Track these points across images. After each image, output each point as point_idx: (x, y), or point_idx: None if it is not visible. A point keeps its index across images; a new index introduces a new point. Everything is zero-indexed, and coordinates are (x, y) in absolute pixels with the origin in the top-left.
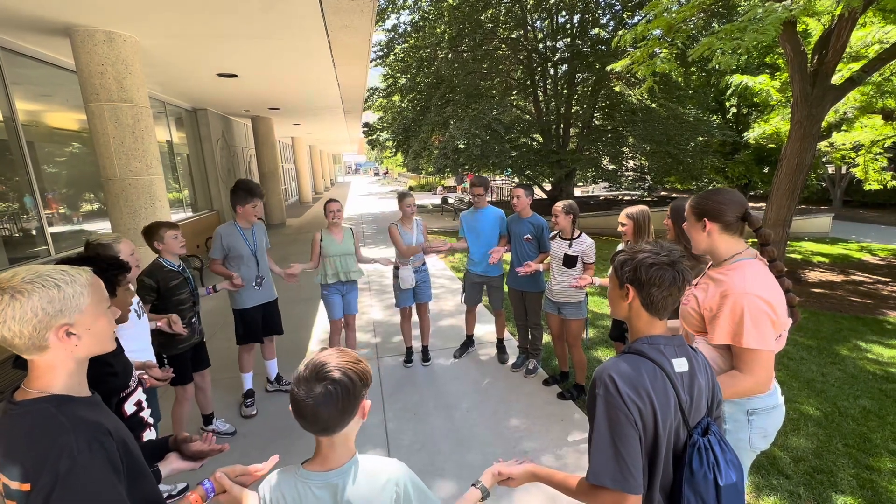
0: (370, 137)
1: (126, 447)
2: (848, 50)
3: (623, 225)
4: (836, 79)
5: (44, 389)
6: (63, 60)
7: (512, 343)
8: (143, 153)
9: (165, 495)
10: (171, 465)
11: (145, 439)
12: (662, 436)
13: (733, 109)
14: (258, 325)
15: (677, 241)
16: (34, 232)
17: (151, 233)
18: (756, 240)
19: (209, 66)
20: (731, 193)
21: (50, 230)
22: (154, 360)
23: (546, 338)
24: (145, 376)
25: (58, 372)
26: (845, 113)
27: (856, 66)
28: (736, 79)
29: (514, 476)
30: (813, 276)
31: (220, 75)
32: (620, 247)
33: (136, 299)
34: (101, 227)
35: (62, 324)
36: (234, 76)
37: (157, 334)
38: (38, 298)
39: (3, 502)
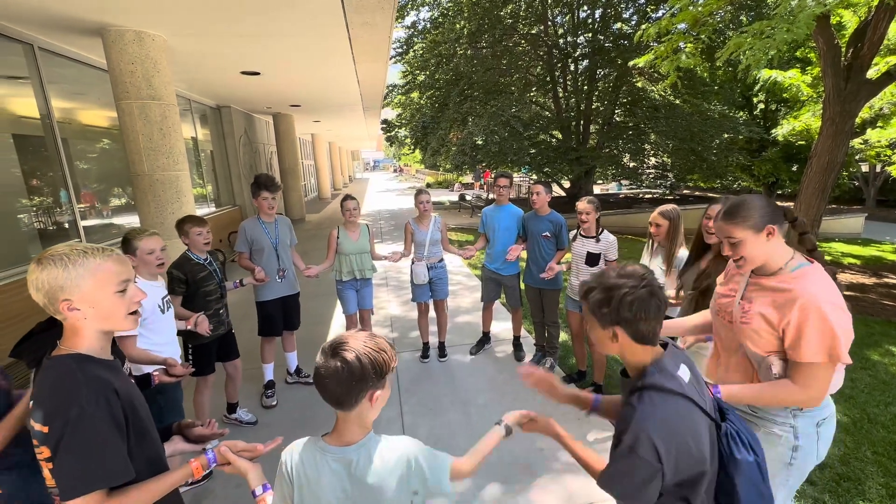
0: (388, 134)
1: (133, 408)
2: (885, 42)
3: (658, 226)
4: (872, 73)
5: (72, 348)
6: (95, 60)
7: (528, 341)
8: (170, 149)
9: None
10: (174, 445)
11: None
12: (708, 469)
13: (761, 105)
14: (277, 318)
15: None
16: (67, 225)
17: (179, 227)
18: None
19: (233, 64)
20: (765, 197)
21: (82, 223)
22: (179, 353)
23: (563, 336)
24: (155, 373)
25: (82, 335)
26: (881, 109)
27: (893, 59)
28: (764, 73)
29: (537, 421)
30: (843, 278)
31: (243, 73)
32: (645, 259)
33: (162, 294)
34: (130, 221)
35: (63, 298)
36: (257, 74)
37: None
38: (47, 273)
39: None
